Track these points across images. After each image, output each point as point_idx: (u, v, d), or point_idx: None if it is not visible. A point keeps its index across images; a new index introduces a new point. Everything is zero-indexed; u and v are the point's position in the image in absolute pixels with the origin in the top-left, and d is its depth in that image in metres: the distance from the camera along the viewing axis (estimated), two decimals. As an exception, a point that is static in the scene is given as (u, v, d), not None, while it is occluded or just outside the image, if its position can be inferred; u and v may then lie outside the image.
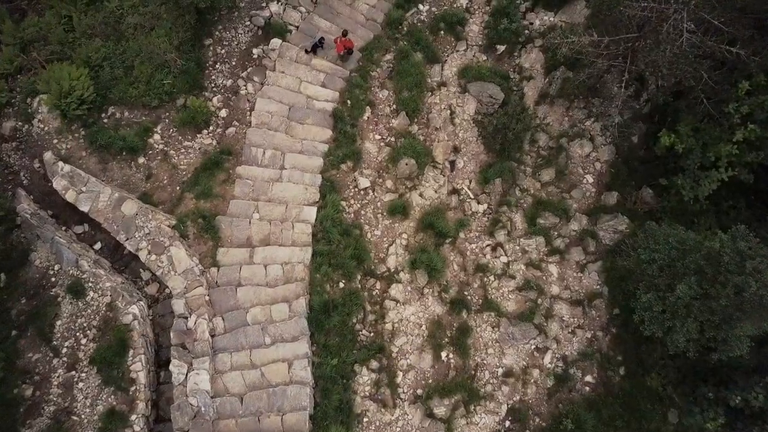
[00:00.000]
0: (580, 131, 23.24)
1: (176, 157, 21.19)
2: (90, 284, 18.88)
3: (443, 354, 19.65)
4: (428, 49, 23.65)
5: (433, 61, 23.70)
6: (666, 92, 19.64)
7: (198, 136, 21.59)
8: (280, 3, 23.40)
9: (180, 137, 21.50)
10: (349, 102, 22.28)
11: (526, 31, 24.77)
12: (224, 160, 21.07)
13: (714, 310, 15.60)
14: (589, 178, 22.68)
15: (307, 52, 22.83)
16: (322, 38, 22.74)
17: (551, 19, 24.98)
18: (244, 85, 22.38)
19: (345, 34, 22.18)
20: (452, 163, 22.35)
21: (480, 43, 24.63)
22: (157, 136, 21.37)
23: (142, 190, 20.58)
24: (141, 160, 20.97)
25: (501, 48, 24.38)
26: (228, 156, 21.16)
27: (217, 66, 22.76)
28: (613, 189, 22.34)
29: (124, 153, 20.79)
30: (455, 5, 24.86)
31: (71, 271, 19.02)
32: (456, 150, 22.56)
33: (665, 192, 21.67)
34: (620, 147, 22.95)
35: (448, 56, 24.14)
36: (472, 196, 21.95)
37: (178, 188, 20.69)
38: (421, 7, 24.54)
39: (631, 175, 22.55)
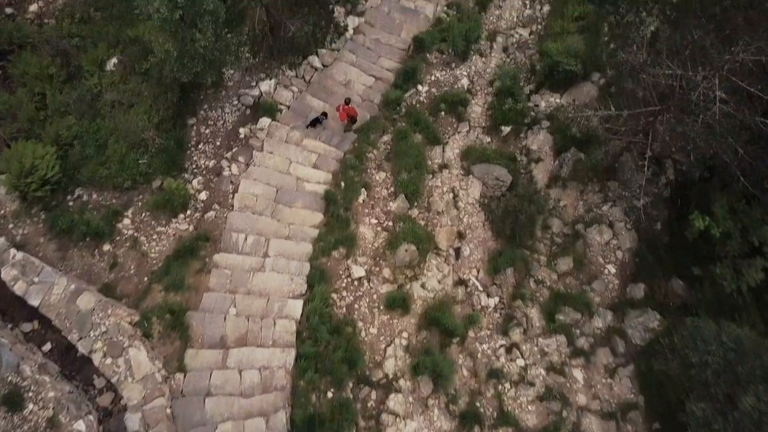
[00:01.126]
0: (598, 216, 21.10)
1: (146, 244, 18.80)
2: (30, 394, 15.74)
3: (453, 480, 16.25)
4: (428, 130, 22.01)
5: (434, 143, 21.98)
6: (695, 169, 17.57)
7: (173, 220, 19.34)
8: (271, 82, 21.97)
9: (153, 222, 19.22)
10: (343, 184, 20.26)
11: (532, 113, 23.32)
12: (200, 246, 18.67)
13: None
14: (611, 269, 20.24)
15: (307, 126, 21.29)
16: (325, 113, 21.32)
17: (557, 100, 23.63)
18: (228, 166, 20.45)
19: (348, 101, 20.82)
20: (457, 251, 19.97)
21: (483, 124, 23.08)
22: (126, 221, 19.09)
23: (105, 280, 17.99)
24: (106, 247, 18.55)
25: (506, 129, 22.80)
26: (205, 242, 18.78)
27: (199, 146, 20.97)
28: (639, 280, 19.88)
29: (87, 239, 18.39)
30: (456, 86, 23.56)
31: (9, 378, 15.93)
32: (461, 236, 20.26)
33: (698, 283, 19.21)
34: (643, 233, 20.76)
35: (449, 137, 22.47)
36: (481, 288, 19.37)
37: (145, 279, 18.12)
38: (420, 87, 23.20)
39: (658, 265, 20.12)
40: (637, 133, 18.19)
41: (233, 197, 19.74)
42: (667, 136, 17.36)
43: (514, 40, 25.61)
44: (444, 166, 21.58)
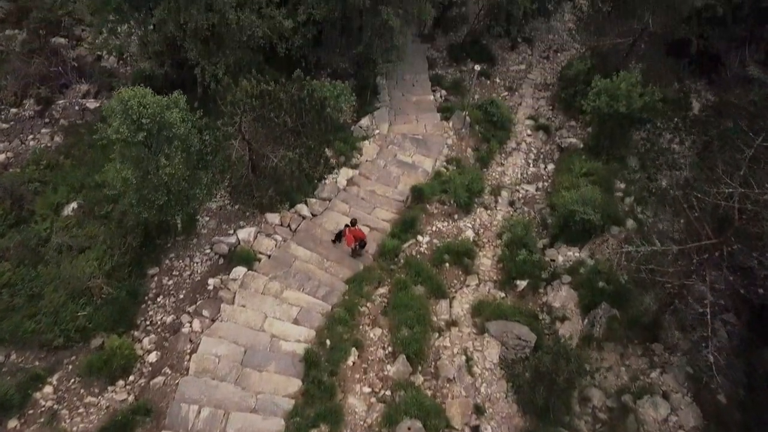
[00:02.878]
0: (647, 386, 16.91)
1: (68, 419, 14.38)
2: None
3: None
4: (432, 282, 18.75)
5: (439, 296, 18.59)
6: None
7: (109, 388, 15.17)
8: (251, 229, 19.27)
9: (82, 390, 15.01)
10: (328, 342, 16.38)
11: (549, 268, 20.35)
12: (138, 423, 14.24)
13: None
14: (678, 454, 15.47)
15: (333, 241, 19.46)
16: (354, 219, 19.22)
17: (576, 254, 20.81)
18: (189, 322, 16.75)
19: (354, 223, 18.65)
20: (475, 430, 15.34)
21: (495, 278, 19.93)
22: (48, 389, 14.89)
23: (-3, 471, 13.22)
24: (12, 423, 14.07)
25: (522, 283, 19.58)
26: (145, 417, 14.36)
27: (158, 299, 17.52)
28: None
29: (-12, 412, 14.00)
30: (460, 237, 20.90)
31: None
32: (479, 410, 15.78)
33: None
34: (707, 406, 16.35)
35: (456, 291, 19.14)
36: (511, 482, 14.42)
37: (54, 470, 13.35)
38: (420, 238, 20.49)
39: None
40: (690, 274, 14.87)
41: (190, 359, 15.71)
42: (730, 276, 14.03)
43: (520, 195, 23.73)
44: (452, 324, 17.89)
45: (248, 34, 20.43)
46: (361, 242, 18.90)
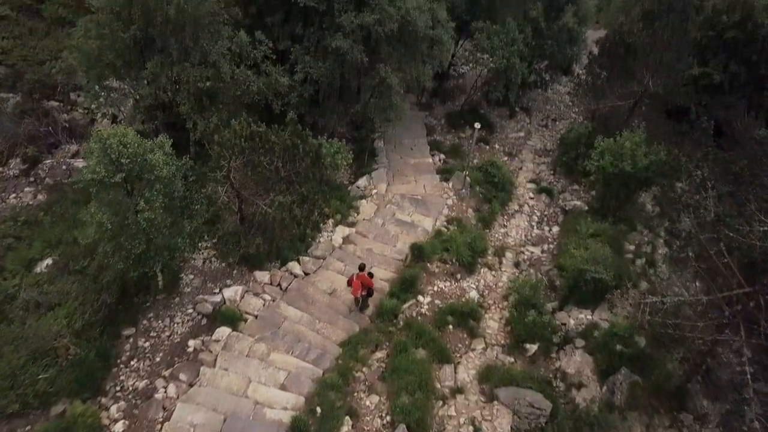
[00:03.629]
0: (682, 462, 14.92)
1: (13, 500, 12.28)
2: None
3: None
4: (434, 345, 17.13)
5: (443, 361, 16.91)
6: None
7: (66, 463, 13.14)
8: (238, 288, 17.85)
9: (34, 465, 13.00)
10: (319, 410, 14.54)
11: (560, 332, 18.79)
12: (95, 503, 12.16)
13: None
14: None
15: (357, 306, 18.17)
16: (371, 274, 18.01)
17: (588, 317, 19.34)
18: (164, 387, 15.00)
19: (362, 268, 17.34)
20: None
21: (503, 341, 18.33)
22: (-5, 463, 12.90)
23: None
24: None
25: (532, 347, 17.99)
26: (103, 497, 12.32)
27: (132, 363, 15.82)
28: None
29: None
30: (464, 298, 19.45)
31: None
32: (491, 490, 13.75)
33: None
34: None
35: (461, 356, 17.49)
36: None
37: None
38: (421, 298, 19.04)
39: None
40: (723, 327, 13.37)
41: (162, 428, 13.84)
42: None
43: (525, 257, 22.50)
44: (458, 390, 16.11)
45: (243, 89, 20.00)
46: (369, 291, 17.53)
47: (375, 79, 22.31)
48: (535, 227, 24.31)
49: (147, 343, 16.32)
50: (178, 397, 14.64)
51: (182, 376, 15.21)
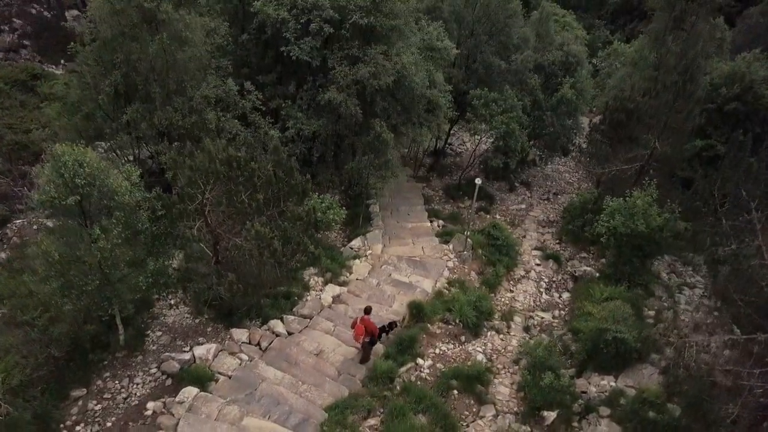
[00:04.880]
0: None
1: None
2: None
3: None
4: (436, 411, 14.59)
5: (447, 429, 14.29)
6: None
7: None
8: (211, 346, 15.59)
9: None
10: (297, 482, 11.87)
11: (580, 400, 16.31)
12: None
13: None
14: None
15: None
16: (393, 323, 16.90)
17: (611, 384, 16.93)
18: (111, 456, 12.41)
19: (368, 311, 15.52)
20: None
21: (515, 409, 15.78)
22: None
23: None
24: None
25: (550, 415, 15.44)
26: None
27: (77, 428, 13.28)
28: None
29: None
30: (469, 362, 17.10)
31: None
32: None
33: None
34: None
35: (469, 424, 14.92)
36: None
37: None
38: (421, 361, 16.69)
39: None
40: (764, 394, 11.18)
41: (99, 506, 11.15)
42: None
43: (536, 322, 20.37)
44: (467, 463, 13.43)
45: (228, 138, 18.95)
46: (372, 339, 15.58)
47: (369, 135, 21.40)
48: (543, 293, 22.34)
49: (98, 406, 13.82)
50: (126, 468, 12.04)
51: (135, 443, 12.67)
